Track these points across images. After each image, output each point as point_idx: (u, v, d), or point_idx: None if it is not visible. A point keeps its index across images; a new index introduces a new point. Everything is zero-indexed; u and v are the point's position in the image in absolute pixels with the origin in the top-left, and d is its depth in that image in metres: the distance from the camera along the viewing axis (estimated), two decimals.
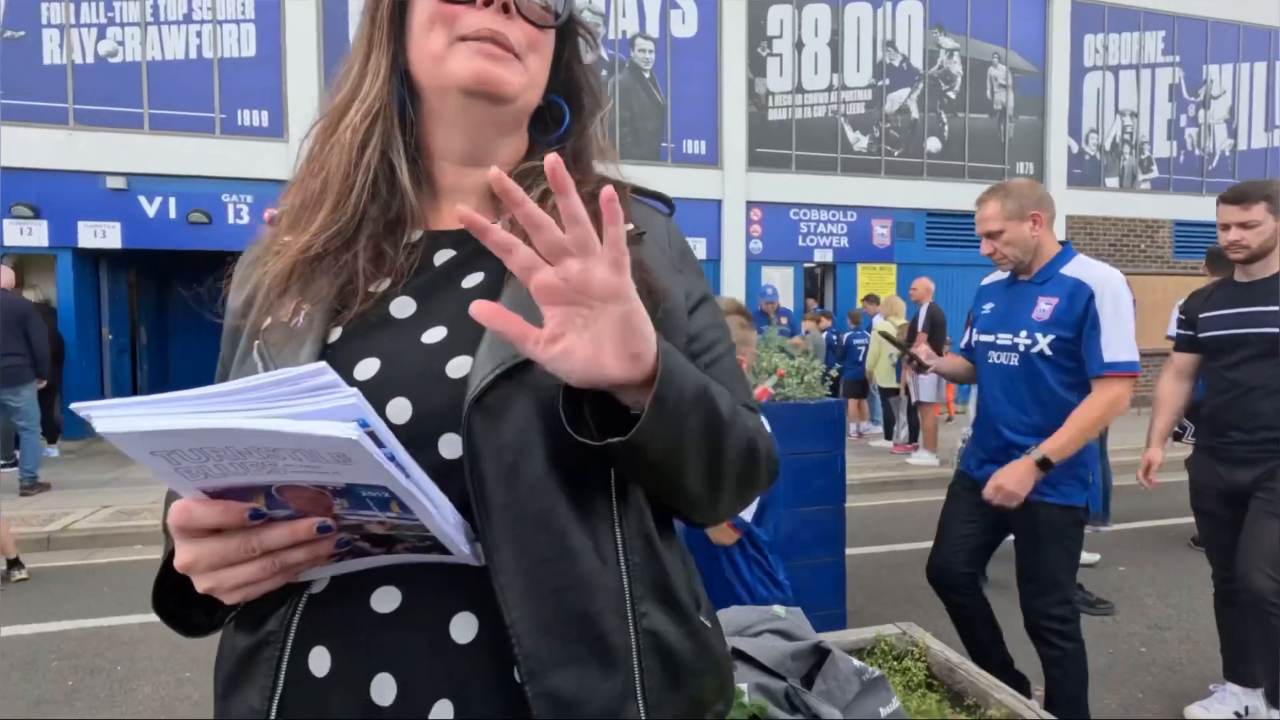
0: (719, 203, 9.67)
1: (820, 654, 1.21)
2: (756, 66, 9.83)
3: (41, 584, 4.13)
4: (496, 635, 0.58)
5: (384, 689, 0.59)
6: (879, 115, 10.35)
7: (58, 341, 7.36)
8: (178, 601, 0.62)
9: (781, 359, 2.80)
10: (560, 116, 0.74)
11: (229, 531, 0.51)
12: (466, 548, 0.55)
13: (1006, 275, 2.24)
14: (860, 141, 10.31)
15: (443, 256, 0.69)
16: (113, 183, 7.74)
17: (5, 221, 7.51)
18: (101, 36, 7.73)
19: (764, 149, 9.91)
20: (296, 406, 0.43)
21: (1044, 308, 2.06)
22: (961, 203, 10.34)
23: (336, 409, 0.42)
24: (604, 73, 9.34)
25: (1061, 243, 2.18)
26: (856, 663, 1.21)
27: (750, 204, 9.83)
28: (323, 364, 0.45)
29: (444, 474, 0.56)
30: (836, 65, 10.11)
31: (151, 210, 7.94)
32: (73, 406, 0.45)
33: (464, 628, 0.59)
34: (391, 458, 0.45)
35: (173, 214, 8.00)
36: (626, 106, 9.41)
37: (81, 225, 7.74)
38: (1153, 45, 11.39)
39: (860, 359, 8.03)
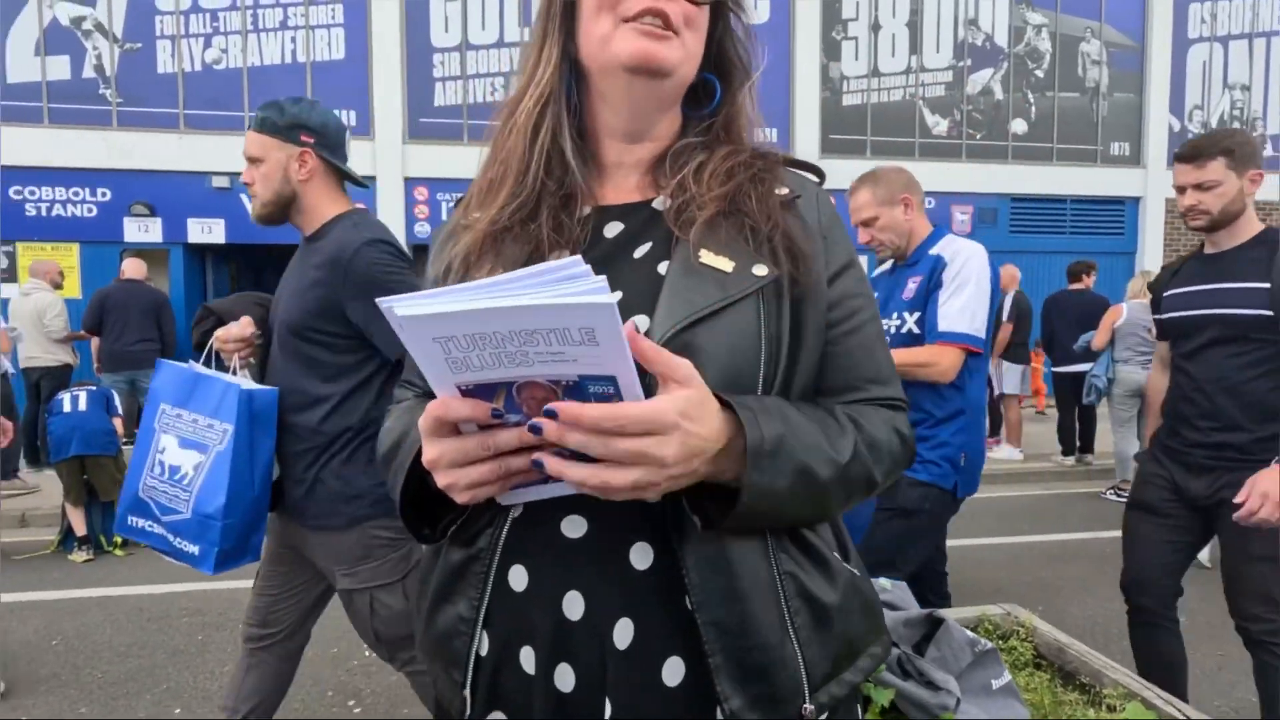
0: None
1: (933, 623, 1.23)
2: (831, 51, 9.63)
3: None
4: (669, 565, 0.65)
5: (574, 605, 0.67)
6: (960, 97, 9.97)
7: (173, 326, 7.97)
8: (415, 517, 0.72)
9: None
10: (712, 92, 0.78)
11: (468, 435, 0.60)
12: None
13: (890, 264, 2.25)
14: (939, 125, 9.97)
15: (613, 229, 0.76)
16: (217, 182, 8.29)
17: (126, 220, 8.17)
18: (208, 45, 8.28)
19: (837, 135, 9.71)
20: (558, 290, 0.50)
21: (910, 287, 2.06)
22: (1049, 187, 9.86)
23: (593, 289, 0.49)
24: None
25: (935, 225, 2.15)
26: (969, 634, 1.22)
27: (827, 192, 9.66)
28: (576, 257, 0.52)
29: None
30: (915, 47, 9.79)
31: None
32: (377, 300, 0.52)
33: (641, 556, 0.67)
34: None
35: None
36: None
37: (190, 222, 8.33)
38: (1267, 12, 10.52)
39: None
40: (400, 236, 8.62)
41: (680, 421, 0.56)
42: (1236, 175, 1.80)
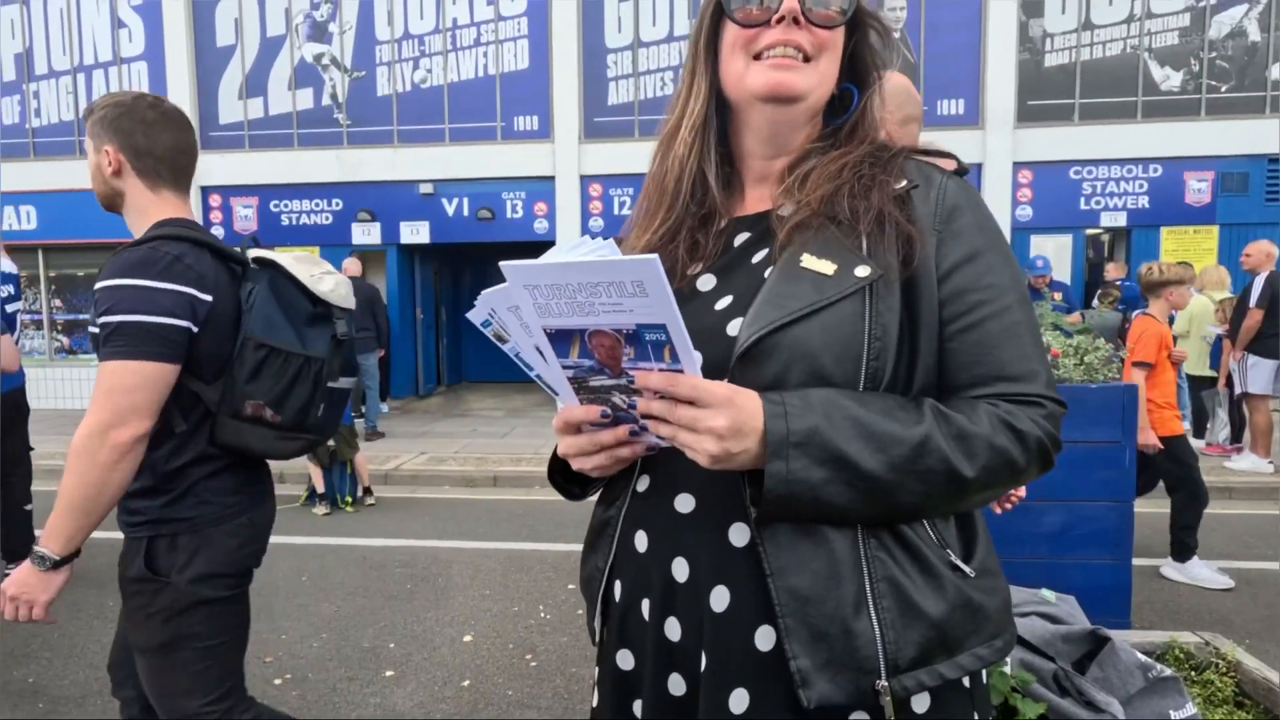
0: (979, 167, 8.74)
1: (1097, 641, 1.14)
2: (1031, 7, 8.64)
3: (385, 509, 5.28)
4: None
5: (680, 569, 0.77)
6: (1199, 44, 8.49)
7: (386, 321, 9.19)
8: (564, 479, 0.88)
9: (1056, 337, 2.55)
10: (849, 101, 0.82)
11: (585, 430, 0.74)
12: None
13: None
14: (1170, 79, 8.56)
15: (741, 238, 0.83)
16: (423, 189, 9.36)
17: (353, 225, 9.50)
18: (416, 67, 9.35)
19: (1038, 100, 8.71)
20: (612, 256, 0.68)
21: None
22: None
23: (641, 259, 0.61)
24: None
25: None
26: (1141, 657, 1.12)
27: (1018, 165, 8.73)
28: (610, 241, 0.68)
29: None
30: None
31: (450, 210, 9.46)
32: (501, 264, 0.67)
33: (739, 535, 0.74)
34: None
35: (465, 212, 9.45)
36: None
37: (403, 225, 9.49)
38: None
39: None
40: (576, 232, 9.18)
41: (733, 396, 0.66)
42: None
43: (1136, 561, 4.04)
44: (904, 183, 0.76)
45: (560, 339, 0.68)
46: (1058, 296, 6.50)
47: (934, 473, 0.68)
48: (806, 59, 0.76)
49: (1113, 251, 9.28)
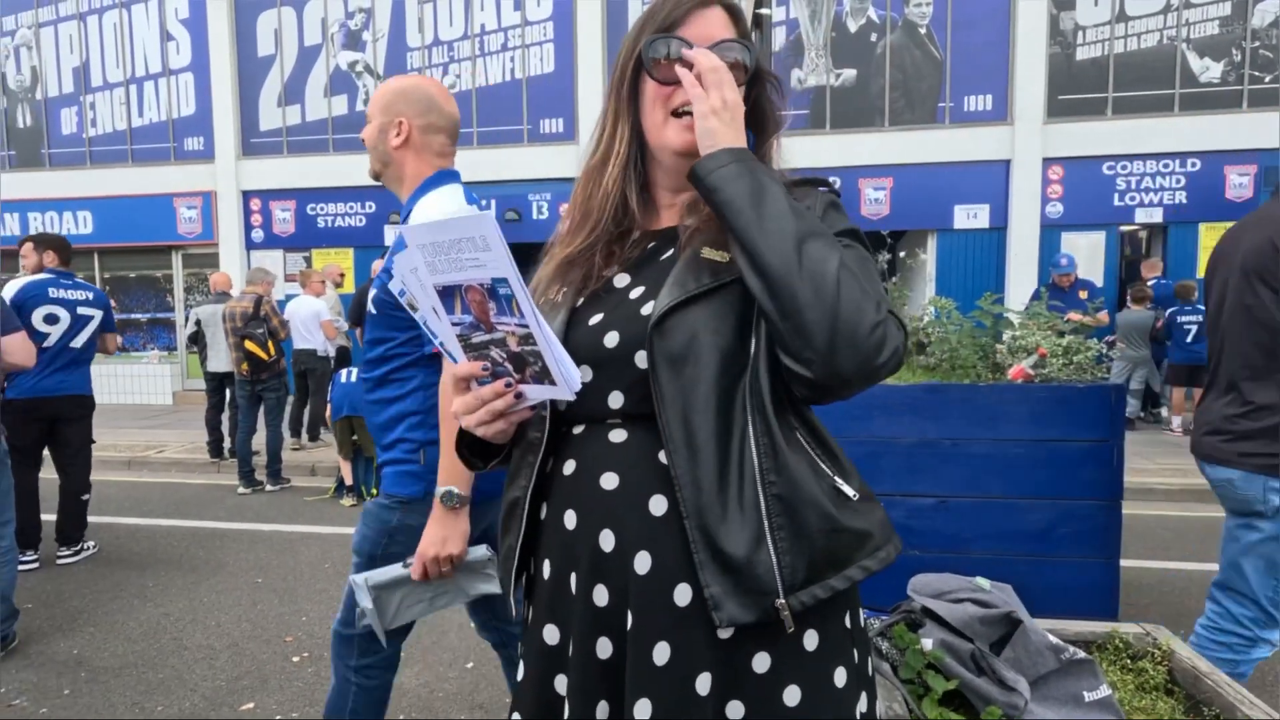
0: (1007, 163, 8.62)
1: (1011, 624, 1.20)
2: (1062, 1, 8.48)
3: None
4: (679, 513, 0.83)
5: (607, 540, 0.87)
6: (1240, 33, 8.22)
7: None
8: (469, 452, 0.97)
9: (1046, 338, 2.57)
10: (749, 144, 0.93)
11: (472, 389, 0.84)
12: (570, 380, 0.79)
13: None
14: (1210, 70, 8.31)
15: (651, 244, 0.95)
16: None
17: (386, 227, 9.79)
18: (445, 73, 9.59)
19: (1069, 95, 8.54)
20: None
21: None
22: None
23: (479, 216, 0.72)
24: (872, 36, 8.89)
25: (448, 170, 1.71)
26: (1054, 639, 1.18)
27: (1048, 161, 8.58)
28: (487, 213, 0.76)
29: (640, 380, 0.84)
30: None
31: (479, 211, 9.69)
32: (399, 228, 0.77)
33: (658, 505, 0.85)
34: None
35: (492, 214, 9.66)
36: (897, 68, 8.84)
37: None
38: None
39: (1189, 339, 6.61)
40: None
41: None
42: None
43: (1150, 563, 4.00)
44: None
45: (446, 296, 0.80)
46: (1083, 295, 6.38)
47: (817, 260, 0.78)
48: None
49: (1149, 249, 9.04)
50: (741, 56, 0.90)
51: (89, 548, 4.18)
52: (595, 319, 0.89)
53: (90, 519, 4.34)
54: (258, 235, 10.14)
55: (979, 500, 2.55)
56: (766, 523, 0.80)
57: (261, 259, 9.88)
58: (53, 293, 3.94)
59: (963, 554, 2.56)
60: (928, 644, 1.19)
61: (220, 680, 2.75)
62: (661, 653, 0.83)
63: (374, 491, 5.44)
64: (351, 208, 9.93)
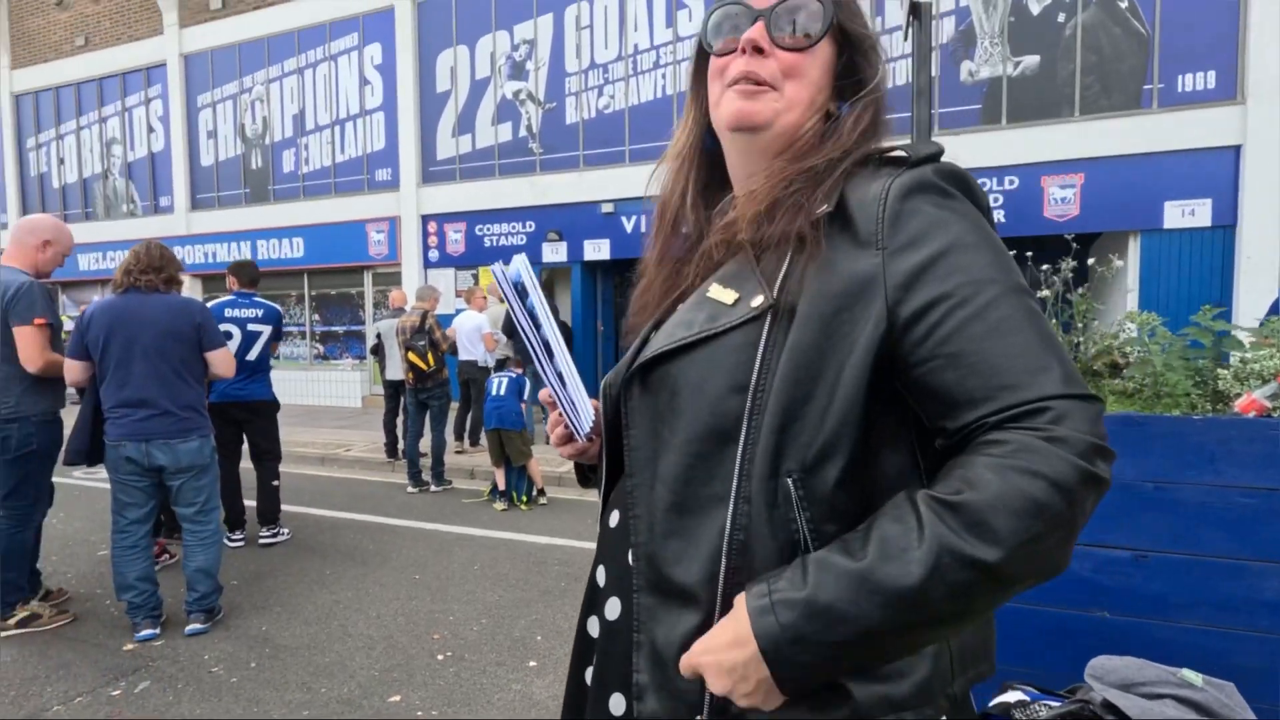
0: (1237, 150, 7.28)
1: None
2: None
3: (554, 509, 5.66)
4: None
5: (601, 575, 0.84)
6: None
7: (568, 332, 9.82)
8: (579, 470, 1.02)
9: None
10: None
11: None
12: (580, 425, 0.88)
13: None
14: None
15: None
16: (605, 208, 9.91)
17: (544, 245, 10.33)
18: (600, 94, 9.95)
19: None
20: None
21: None
22: None
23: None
24: (1060, 16, 7.94)
25: None
26: None
27: None
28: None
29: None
30: None
31: (629, 227, 9.91)
32: (515, 258, 0.84)
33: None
34: (535, 316, 0.84)
35: (642, 229, 9.82)
36: (1091, 50, 7.82)
37: (586, 243, 10.12)
38: None
39: None
40: None
41: (700, 658, 0.64)
42: None
43: None
44: (826, 207, 0.68)
45: (528, 335, 0.86)
46: None
47: (954, 588, 0.55)
48: (772, 87, 0.74)
49: None
50: (813, 18, 0.73)
51: (284, 534, 4.73)
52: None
53: (286, 508, 4.93)
54: (433, 255, 11.11)
55: (1191, 557, 2.10)
56: (724, 559, 0.68)
57: (436, 277, 10.82)
58: (228, 312, 4.53)
59: (1168, 622, 2.11)
60: None
61: (374, 670, 2.96)
62: (618, 704, 0.76)
63: (525, 498, 5.67)
64: (513, 227, 10.57)
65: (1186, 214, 7.48)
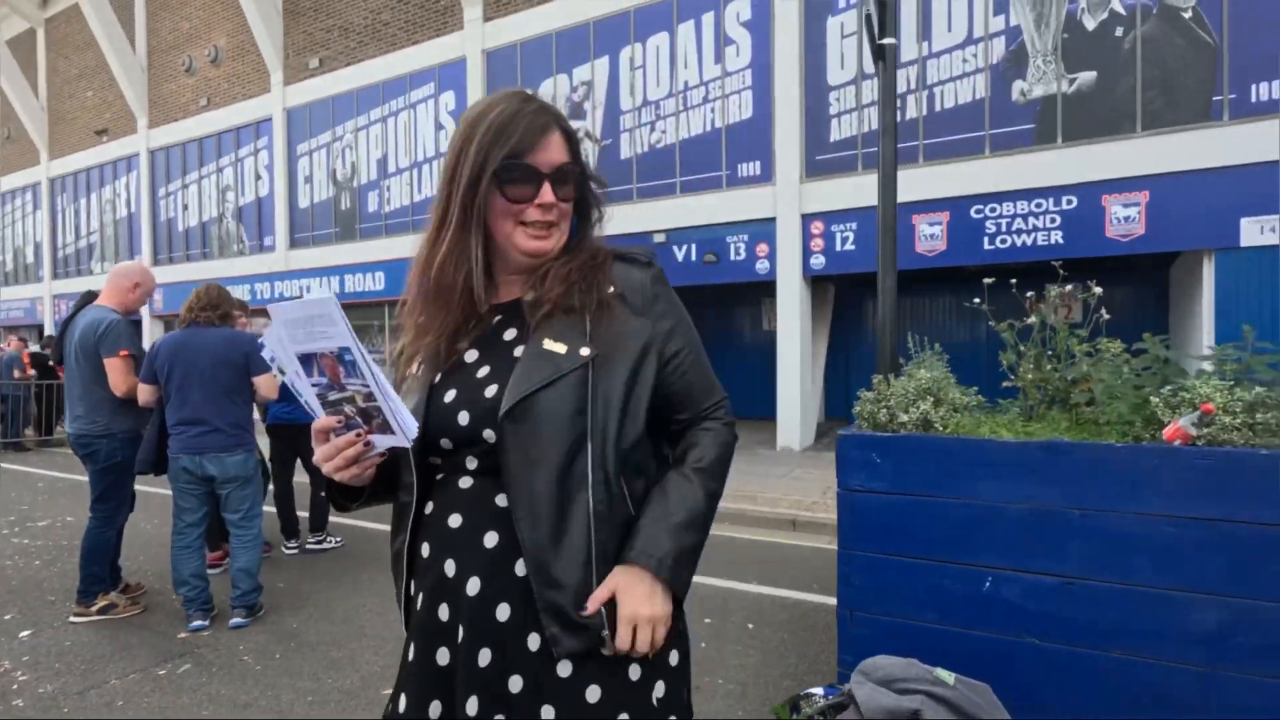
0: None
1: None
2: None
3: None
4: (510, 545, 1.00)
5: (450, 567, 1.04)
6: None
7: None
8: (340, 496, 1.15)
9: (1218, 388, 2.05)
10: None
11: (331, 439, 1.02)
12: (408, 430, 0.95)
13: None
14: None
15: (496, 319, 1.10)
16: (657, 238, 10.21)
17: None
18: (652, 130, 10.32)
19: None
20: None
21: None
22: None
23: (323, 298, 0.90)
24: (1118, 30, 7.65)
25: None
26: None
27: None
28: (330, 295, 0.93)
29: (489, 450, 1.00)
30: None
31: (680, 256, 10.15)
32: (269, 307, 0.96)
33: (490, 540, 1.02)
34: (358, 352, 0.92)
35: (693, 257, 10.06)
36: (1153, 63, 7.48)
37: None
38: None
39: None
40: (797, 269, 9.16)
41: (636, 616, 0.99)
42: None
43: None
44: (612, 289, 1.07)
45: (306, 362, 0.99)
46: None
47: (717, 490, 1.08)
48: (556, 225, 1.07)
49: None
50: (573, 174, 1.08)
51: (332, 541, 5.19)
52: (449, 396, 1.05)
53: (343, 521, 5.40)
54: None
55: (1120, 586, 2.08)
56: (594, 567, 0.98)
57: None
58: None
59: (1100, 650, 2.10)
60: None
61: (377, 667, 3.26)
62: (484, 657, 1.00)
63: None
64: None
65: (1266, 230, 6.96)
